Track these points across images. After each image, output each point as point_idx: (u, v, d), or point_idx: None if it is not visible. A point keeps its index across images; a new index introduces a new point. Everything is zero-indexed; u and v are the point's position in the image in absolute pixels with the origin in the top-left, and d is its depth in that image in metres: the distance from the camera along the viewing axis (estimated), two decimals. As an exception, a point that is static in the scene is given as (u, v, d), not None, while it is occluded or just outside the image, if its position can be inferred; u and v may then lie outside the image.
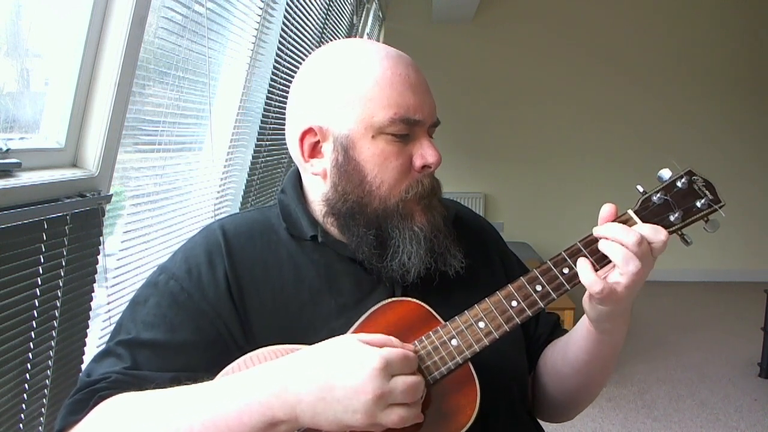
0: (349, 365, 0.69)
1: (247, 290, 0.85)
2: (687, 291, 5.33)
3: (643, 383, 3.53)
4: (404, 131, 0.84)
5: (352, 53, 0.87)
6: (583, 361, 0.90)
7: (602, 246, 0.80)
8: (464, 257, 0.89)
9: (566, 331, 1.02)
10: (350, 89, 0.84)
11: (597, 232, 0.81)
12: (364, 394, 0.68)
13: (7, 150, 1.03)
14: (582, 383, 0.94)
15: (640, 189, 0.85)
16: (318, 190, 0.90)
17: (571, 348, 0.92)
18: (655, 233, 0.79)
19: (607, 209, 0.83)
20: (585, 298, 0.83)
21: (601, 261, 0.81)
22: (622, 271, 0.77)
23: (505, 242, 1.08)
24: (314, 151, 0.88)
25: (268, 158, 2.67)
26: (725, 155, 5.52)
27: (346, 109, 0.84)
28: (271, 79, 2.44)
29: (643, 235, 0.78)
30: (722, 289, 5.44)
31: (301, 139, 0.88)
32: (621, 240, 0.78)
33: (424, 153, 0.85)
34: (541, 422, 1.02)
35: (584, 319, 0.88)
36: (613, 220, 0.83)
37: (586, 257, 0.81)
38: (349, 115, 0.84)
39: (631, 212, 0.83)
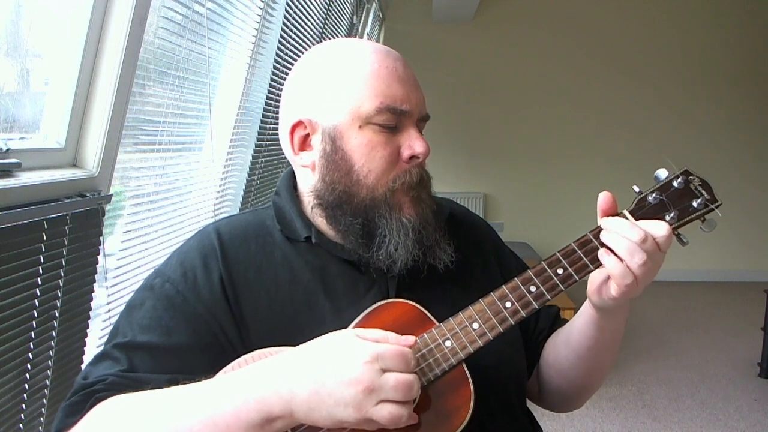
0: (340, 359, 0.69)
1: (242, 292, 0.85)
2: (687, 291, 5.32)
3: (643, 383, 3.53)
4: (391, 121, 0.85)
5: (341, 49, 0.89)
6: (587, 347, 0.91)
7: (605, 237, 0.79)
8: (457, 253, 0.89)
9: (565, 322, 1.03)
10: (338, 81, 0.85)
11: (603, 223, 0.81)
12: (353, 386, 0.68)
13: (7, 150, 1.03)
14: (587, 370, 0.95)
15: (636, 189, 0.85)
16: (307, 182, 0.91)
17: (574, 336, 0.92)
18: (657, 228, 0.78)
19: (603, 198, 0.82)
20: (593, 288, 0.83)
21: (595, 262, 0.81)
22: (629, 263, 0.77)
23: (501, 240, 1.08)
24: (304, 144, 0.89)
25: (268, 158, 2.67)
26: (725, 155, 5.52)
27: (334, 101, 0.85)
28: (271, 79, 2.44)
29: (647, 233, 0.77)
30: (722, 289, 5.44)
31: (291, 132, 0.89)
32: (626, 236, 0.77)
33: (412, 144, 0.86)
34: (542, 420, 1.02)
35: (587, 307, 0.88)
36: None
37: (582, 258, 0.81)
38: (336, 106, 0.85)
39: (626, 212, 0.83)
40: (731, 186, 5.34)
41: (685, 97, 5.61)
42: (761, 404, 3.27)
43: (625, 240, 0.77)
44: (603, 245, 0.80)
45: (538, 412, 1.02)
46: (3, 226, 0.98)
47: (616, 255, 0.78)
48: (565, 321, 1.04)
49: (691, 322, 4.59)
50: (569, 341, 0.94)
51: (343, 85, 0.85)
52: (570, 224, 5.23)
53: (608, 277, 0.80)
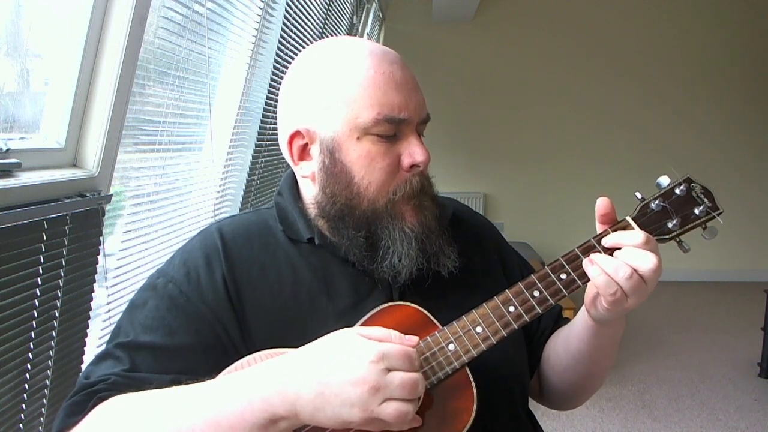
0: (345, 358, 0.69)
1: (245, 292, 0.85)
2: (687, 291, 5.32)
3: (643, 383, 3.53)
4: (390, 131, 0.84)
5: (336, 53, 0.87)
6: (587, 353, 0.91)
7: (587, 264, 0.80)
8: (460, 256, 0.89)
9: (567, 321, 1.03)
10: (334, 91, 0.84)
11: (606, 242, 0.82)
12: (359, 385, 0.68)
13: (7, 150, 1.03)
14: (586, 372, 0.95)
15: (639, 196, 0.86)
16: (309, 192, 0.90)
17: (573, 341, 0.92)
18: (644, 262, 0.78)
19: (601, 203, 0.83)
20: (589, 299, 0.84)
21: None
22: (614, 277, 0.78)
23: (504, 240, 1.08)
24: (303, 153, 0.88)
25: (268, 158, 2.67)
26: (725, 155, 5.52)
27: (330, 111, 0.84)
28: (271, 79, 2.44)
29: (633, 269, 0.77)
30: (722, 289, 5.44)
31: (290, 143, 0.88)
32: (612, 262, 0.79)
33: (412, 152, 0.85)
34: (542, 420, 1.02)
35: (584, 315, 0.88)
36: (612, 226, 0.83)
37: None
38: (333, 117, 0.84)
39: (629, 219, 0.84)
40: (731, 186, 5.33)
41: (685, 97, 5.61)
42: (761, 404, 3.27)
43: (612, 261, 0.78)
44: (606, 250, 0.81)
45: (539, 412, 1.03)
46: (3, 226, 0.98)
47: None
48: (568, 320, 1.04)
49: (691, 322, 4.59)
50: (568, 345, 0.94)
51: (339, 95, 0.83)
52: (570, 224, 5.24)
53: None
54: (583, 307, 0.89)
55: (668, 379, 3.60)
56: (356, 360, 0.69)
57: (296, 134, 0.87)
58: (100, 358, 0.83)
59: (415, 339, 0.76)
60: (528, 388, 1.00)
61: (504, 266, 1.01)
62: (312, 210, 0.90)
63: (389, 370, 0.69)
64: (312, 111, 0.85)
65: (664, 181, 0.85)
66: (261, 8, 2.18)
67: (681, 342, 4.17)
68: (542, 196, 5.71)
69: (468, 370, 0.79)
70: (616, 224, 0.83)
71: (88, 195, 1.21)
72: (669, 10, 5.53)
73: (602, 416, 3.14)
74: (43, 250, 1.10)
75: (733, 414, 3.17)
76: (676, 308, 4.92)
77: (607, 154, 5.58)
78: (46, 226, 1.09)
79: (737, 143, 5.62)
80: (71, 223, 1.17)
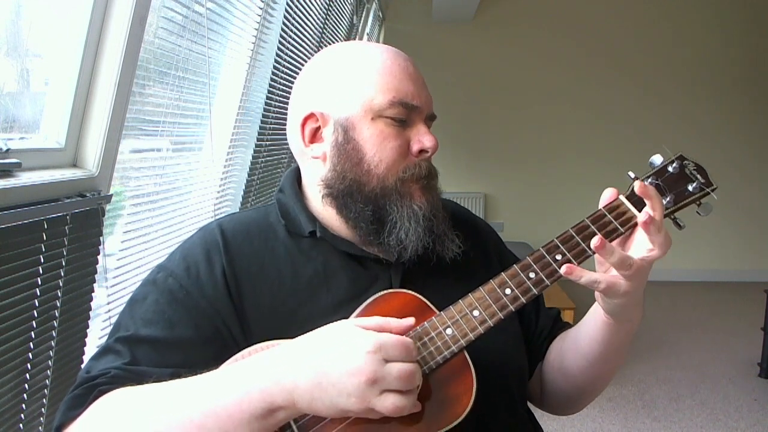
0: (343, 349, 0.70)
1: (245, 287, 0.86)
2: (687, 291, 5.32)
3: (643, 383, 3.53)
4: (402, 115, 0.87)
5: (353, 48, 0.92)
6: (599, 352, 0.90)
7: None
8: (461, 249, 0.90)
9: (568, 324, 1.02)
10: (351, 76, 0.88)
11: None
12: (357, 376, 0.68)
13: (7, 150, 1.03)
14: (596, 374, 0.95)
15: (632, 175, 0.85)
16: (316, 174, 0.91)
17: (584, 340, 0.91)
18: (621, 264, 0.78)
19: (608, 194, 0.83)
20: (597, 294, 0.84)
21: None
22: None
23: (503, 242, 1.08)
24: (315, 136, 0.91)
25: (268, 158, 2.67)
26: (725, 155, 5.51)
27: (346, 95, 0.88)
28: (271, 79, 2.44)
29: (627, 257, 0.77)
30: (722, 289, 5.44)
31: (303, 125, 0.91)
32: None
33: (421, 138, 0.88)
34: (542, 420, 1.02)
35: (597, 310, 0.87)
36: (605, 206, 0.83)
37: (580, 243, 0.81)
38: (349, 99, 0.87)
39: (622, 198, 0.83)
40: (731, 186, 5.33)
41: (685, 97, 5.61)
42: (761, 404, 3.28)
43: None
44: (601, 230, 0.81)
45: (538, 412, 1.02)
46: (3, 226, 0.98)
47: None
48: (567, 323, 1.04)
49: (691, 322, 4.59)
50: (578, 347, 0.93)
51: (356, 80, 0.87)
52: (570, 224, 5.22)
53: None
54: (593, 308, 0.88)
55: (668, 379, 3.60)
56: (354, 350, 0.69)
57: (310, 116, 0.90)
58: (100, 353, 0.83)
59: (411, 320, 0.76)
60: (527, 385, 0.99)
61: (503, 268, 1.01)
62: (319, 189, 0.91)
63: (387, 360, 0.69)
64: (328, 95, 0.89)
65: (657, 159, 0.85)
66: (261, 8, 2.18)
67: (681, 342, 4.17)
68: (542, 196, 5.71)
69: (466, 353, 0.79)
70: (609, 204, 0.83)
71: (88, 195, 1.21)
72: (669, 10, 5.53)
73: (602, 416, 3.15)
74: (43, 250, 1.11)
75: (733, 414, 3.18)
76: (676, 308, 4.92)
77: (607, 154, 5.57)
78: (46, 226, 1.10)
79: (737, 143, 5.62)
80: (71, 223, 1.17)
